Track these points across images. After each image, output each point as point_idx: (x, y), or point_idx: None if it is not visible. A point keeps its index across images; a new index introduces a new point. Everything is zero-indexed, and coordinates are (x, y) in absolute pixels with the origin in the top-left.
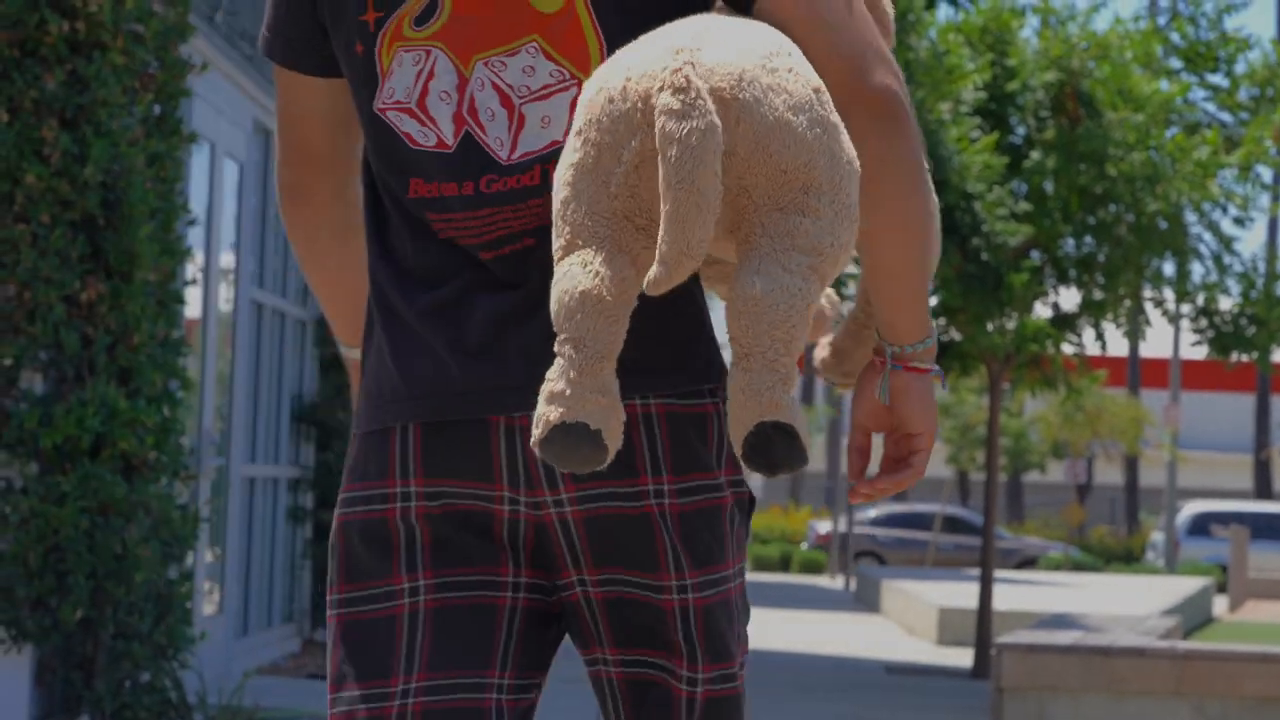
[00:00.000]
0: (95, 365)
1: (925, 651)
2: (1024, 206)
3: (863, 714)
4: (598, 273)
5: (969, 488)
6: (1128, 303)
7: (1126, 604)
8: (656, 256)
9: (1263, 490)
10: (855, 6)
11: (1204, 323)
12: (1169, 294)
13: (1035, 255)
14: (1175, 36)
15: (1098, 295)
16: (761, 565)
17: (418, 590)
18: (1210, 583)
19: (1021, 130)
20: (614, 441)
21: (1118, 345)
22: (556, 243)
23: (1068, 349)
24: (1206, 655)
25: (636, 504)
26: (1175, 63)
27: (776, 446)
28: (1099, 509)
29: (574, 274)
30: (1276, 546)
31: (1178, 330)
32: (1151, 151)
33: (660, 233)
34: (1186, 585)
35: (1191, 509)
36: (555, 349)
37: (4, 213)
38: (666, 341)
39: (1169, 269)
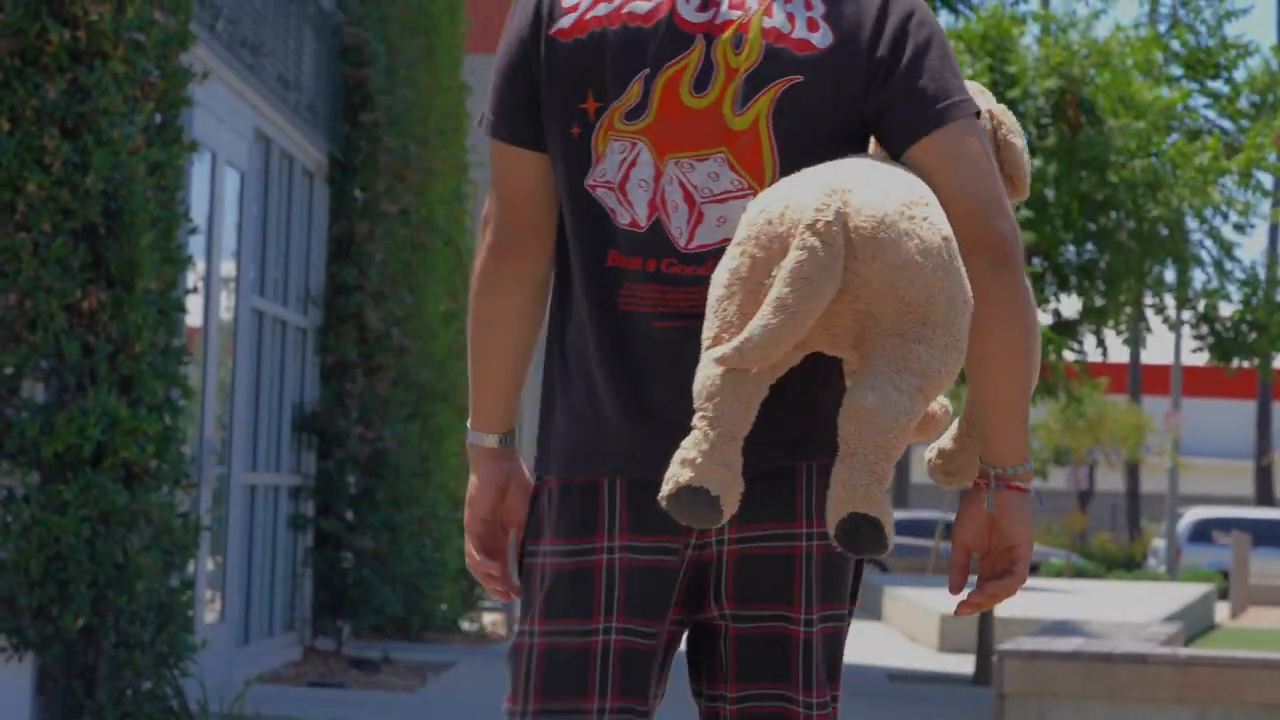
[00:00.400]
0: (96, 374)
1: (927, 658)
2: (1025, 213)
3: None
4: (723, 356)
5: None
6: (1129, 309)
7: (1128, 610)
8: (738, 340)
9: (1264, 496)
10: (986, 163)
11: (1205, 329)
12: (1170, 300)
13: (1036, 262)
14: (1175, 44)
15: (1099, 302)
16: None
17: (610, 630)
18: (1212, 589)
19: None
20: (730, 508)
21: (1119, 352)
22: (707, 332)
23: (1069, 356)
24: (1208, 662)
25: (789, 544)
26: (1176, 70)
27: (864, 534)
28: (1100, 515)
29: (717, 362)
30: (1278, 553)
31: (1179, 337)
32: (1152, 158)
33: (750, 326)
34: (1188, 592)
35: (1193, 515)
36: (694, 423)
37: (5, 221)
38: (824, 419)
39: (1170, 275)
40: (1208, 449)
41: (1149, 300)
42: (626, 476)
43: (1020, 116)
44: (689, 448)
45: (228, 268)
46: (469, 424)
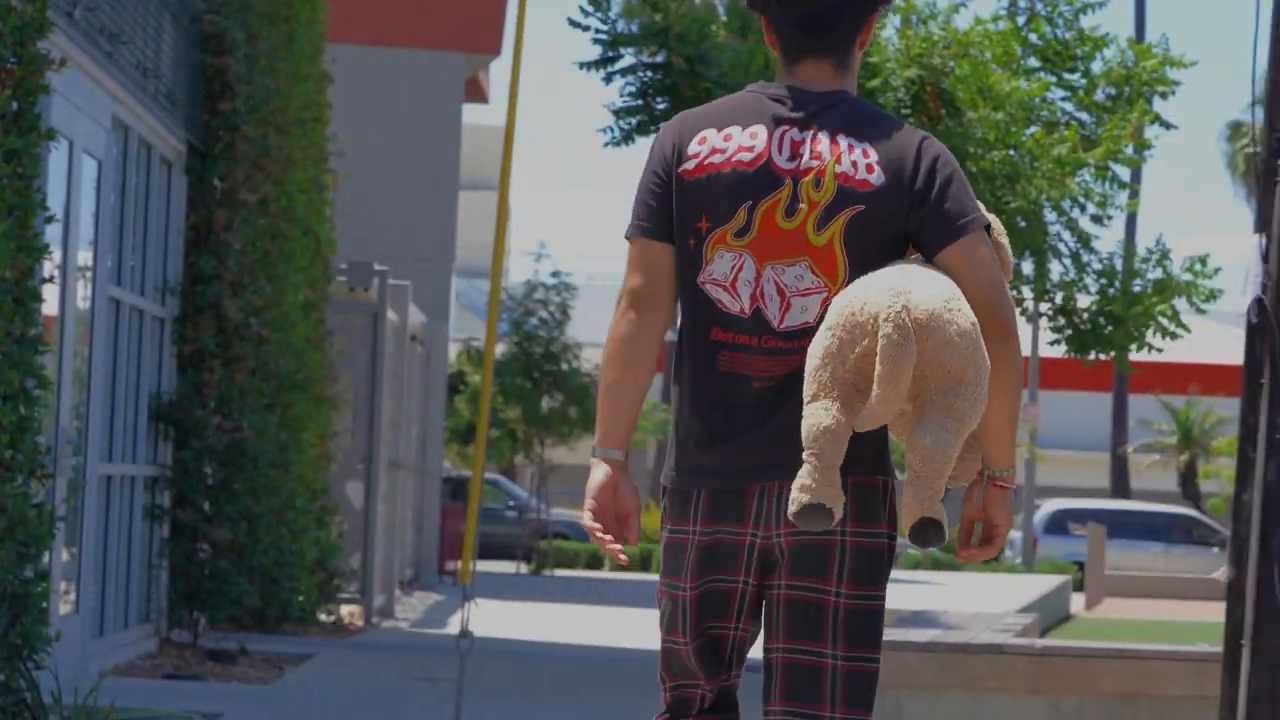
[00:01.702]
0: None
1: None
2: None
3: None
4: (835, 416)
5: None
6: None
7: (985, 602)
8: (867, 411)
9: (1120, 488)
10: (993, 264)
11: (1062, 321)
12: (1028, 292)
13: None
14: (1034, 36)
15: None
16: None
17: (697, 590)
18: (1067, 580)
19: None
20: (838, 514)
21: None
22: (807, 391)
23: None
24: (1063, 653)
25: (829, 535)
26: (1034, 62)
27: (930, 532)
28: (957, 506)
29: (819, 414)
30: (1133, 544)
31: (1036, 329)
32: (1011, 150)
33: (871, 399)
34: (1044, 583)
35: (1049, 507)
36: (804, 458)
37: None
38: (865, 450)
39: (1028, 267)
40: (1064, 441)
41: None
42: (709, 487)
43: (880, 107)
44: (805, 477)
45: (84, 257)
46: (596, 443)
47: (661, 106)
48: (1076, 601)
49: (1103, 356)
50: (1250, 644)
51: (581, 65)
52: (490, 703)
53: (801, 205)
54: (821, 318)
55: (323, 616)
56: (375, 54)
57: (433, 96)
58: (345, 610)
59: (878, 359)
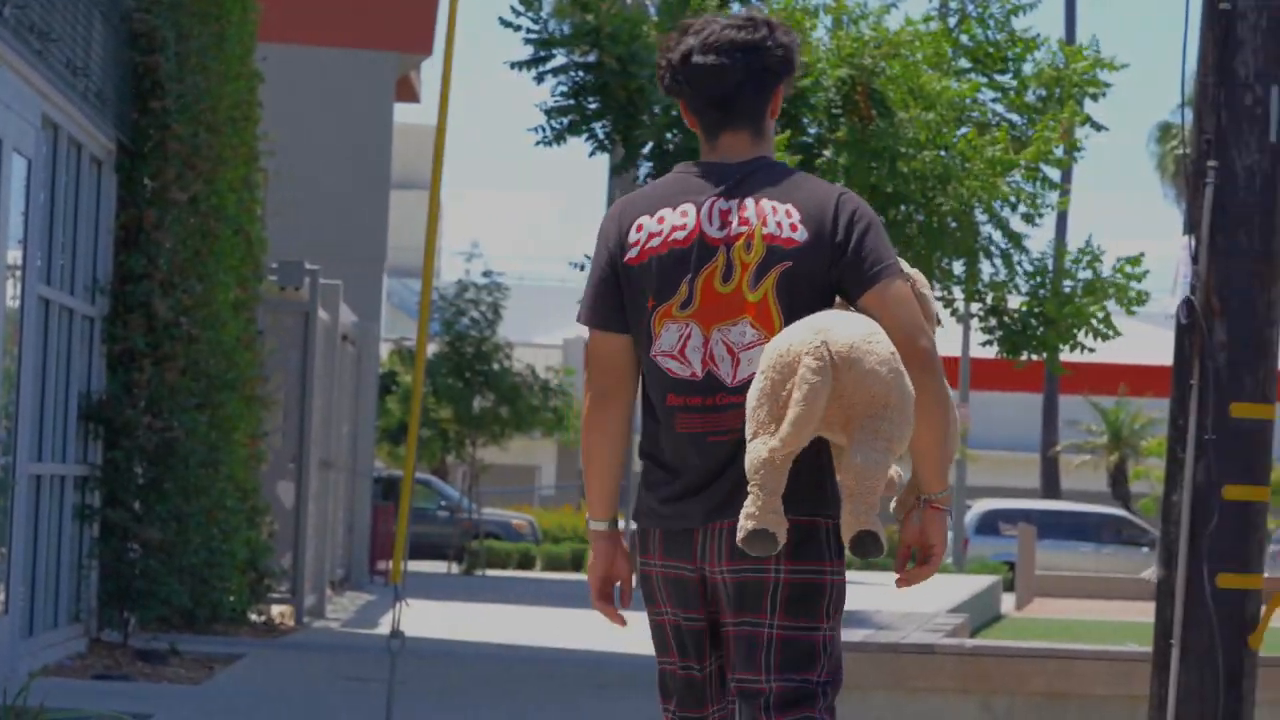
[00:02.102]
0: None
1: None
2: None
3: (654, 711)
4: (769, 449)
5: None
6: None
7: (915, 602)
8: (780, 431)
9: (1050, 489)
10: (909, 303)
11: (993, 322)
12: (959, 293)
13: None
14: (965, 37)
15: None
16: (554, 565)
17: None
18: (998, 580)
19: (814, 129)
20: (782, 539)
21: None
22: (749, 430)
23: None
24: (993, 652)
25: (763, 573)
26: (965, 63)
27: (868, 544)
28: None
29: (759, 448)
30: (1063, 544)
31: (967, 329)
32: (942, 151)
33: (784, 423)
34: (975, 583)
35: (980, 507)
36: (749, 489)
37: None
38: (808, 489)
39: (959, 268)
40: (995, 442)
41: (938, 292)
42: (663, 527)
43: (811, 108)
44: (749, 506)
45: (14, 255)
46: (589, 515)
47: (593, 106)
48: (1007, 601)
49: (1034, 357)
50: (1179, 643)
51: (513, 65)
52: (422, 703)
53: (735, 268)
54: None
55: (253, 616)
56: (306, 53)
57: (364, 96)
58: (276, 610)
59: (795, 386)
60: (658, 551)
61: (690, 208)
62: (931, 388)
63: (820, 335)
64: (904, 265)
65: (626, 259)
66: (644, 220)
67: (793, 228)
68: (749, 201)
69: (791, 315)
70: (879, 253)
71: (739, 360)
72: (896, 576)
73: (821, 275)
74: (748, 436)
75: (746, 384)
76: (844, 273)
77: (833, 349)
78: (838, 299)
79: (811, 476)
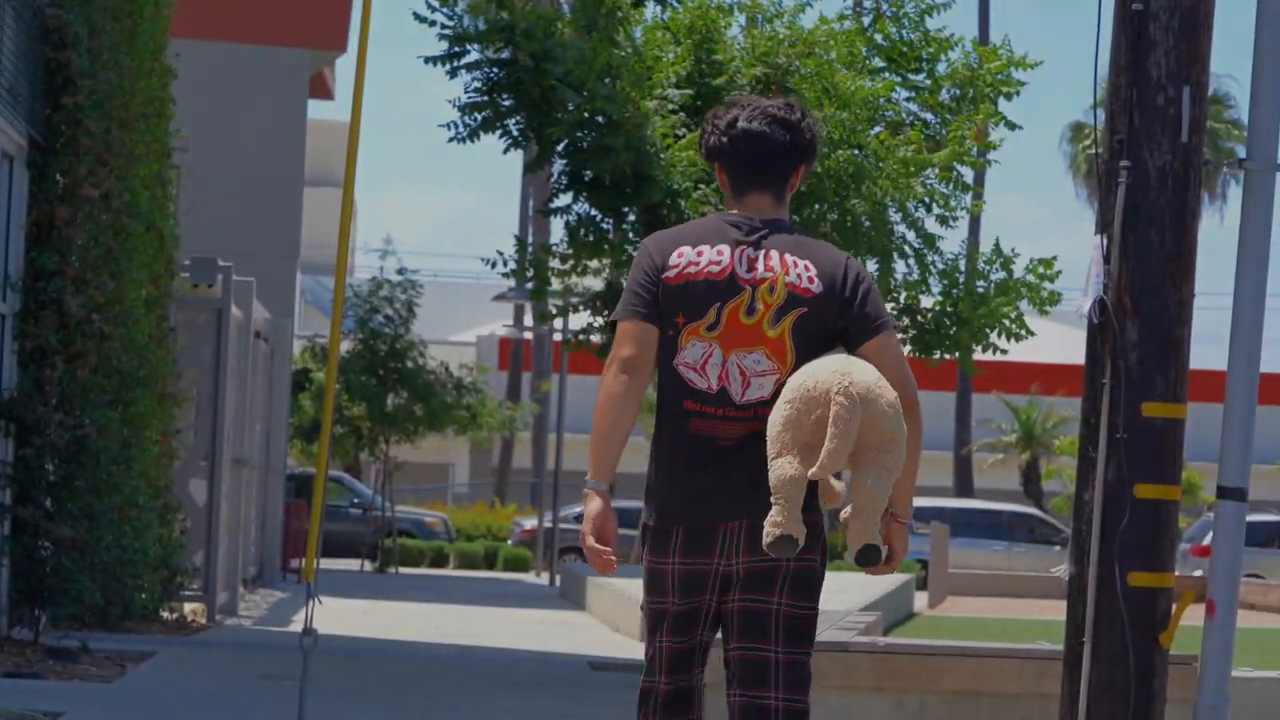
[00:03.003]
0: None
1: (630, 648)
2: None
3: (568, 710)
4: (797, 467)
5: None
6: None
7: (828, 600)
8: (823, 459)
9: (963, 487)
10: (900, 354)
11: (906, 321)
12: None
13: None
14: (879, 36)
15: None
16: (467, 562)
17: (677, 604)
18: (911, 578)
19: None
20: (802, 543)
21: None
22: (772, 450)
23: None
24: (906, 651)
25: (776, 561)
26: (879, 62)
27: (872, 554)
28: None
29: (784, 466)
30: (976, 543)
31: None
32: (856, 150)
33: (823, 453)
34: (888, 581)
35: None
36: (773, 500)
37: None
38: (810, 496)
39: (872, 267)
40: None
41: None
42: (685, 525)
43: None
44: (776, 515)
45: None
46: (590, 476)
47: (507, 103)
48: (920, 599)
49: (947, 356)
50: (1091, 642)
51: (427, 60)
52: (334, 701)
53: (759, 306)
54: (774, 394)
55: (166, 614)
56: (219, 49)
57: (277, 92)
58: (188, 608)
59: (830, 420)
60: (679, 550)
61: (726, 249)
62: (916, 429)
63: (845, 378)
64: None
65: (665, 276)
66: (685, 250)
67: (810, 280)
68: (774, 253)
69: (803, 353)
70: (879, 310)
71: (749, 383)
72: (871, 572)
73: (830, 323)
74: (770, 455)
75: (752, 404)
76: (850, 323)
77: (854, 389)
78: (839, 348)
79: (810, 487)
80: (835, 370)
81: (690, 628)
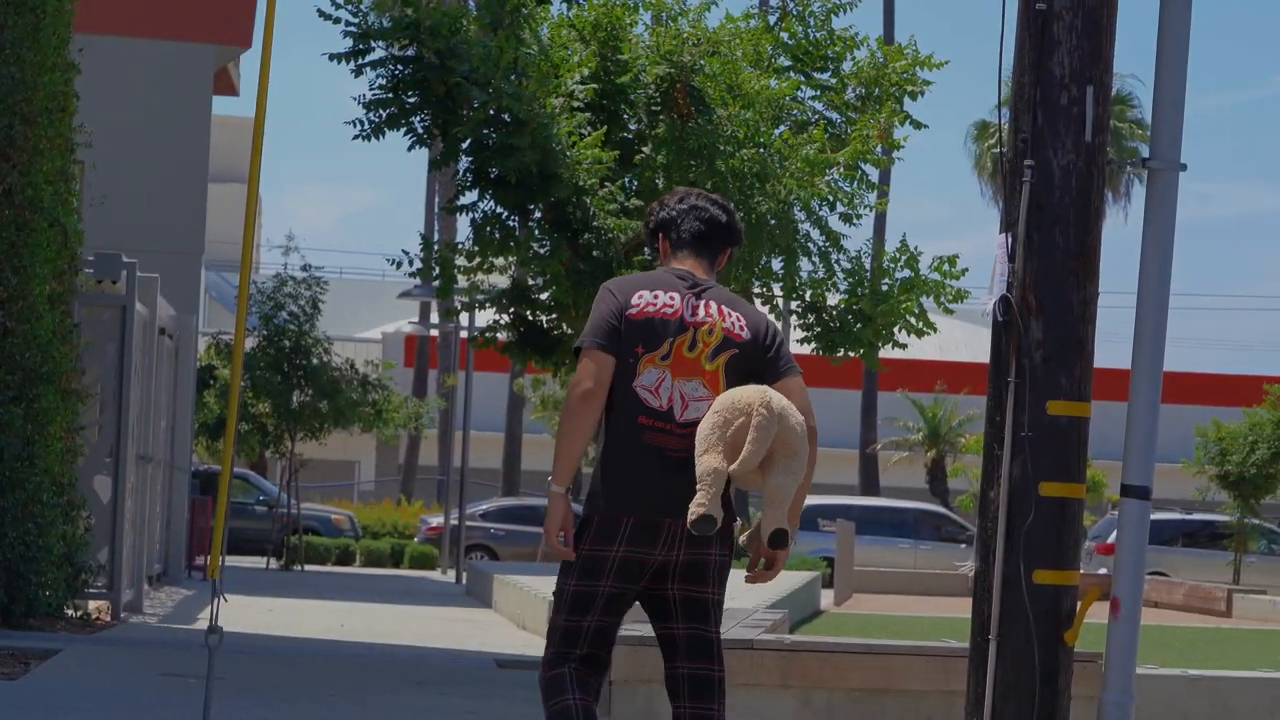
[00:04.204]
0: None
1: (537, 645)
2: (635, 202)
3: (474, 707)
4: (721, 461)
5: (581, 481)
6: None
7: (734, 597)
8: (740, 459)
9: (869, 485)
10: (806, 392)
11: (811, 319)
12: (778, 290)
13: (646, 251)
14: (785, 35)
15: None
16: (373, 560)
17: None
18: (817, 576)
19: (633, 125)
20: (719, 522)
21: None
22: (700, 449)
23: None
24: (812, 648)
25: (707, 555)
26: (785, 61)
27: (780, 536)
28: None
29: (710, 460)
30: (882, 540)
31: (786, 326)
32: (760, 149)
33: (744, 451)
34: (794, 579)
35: None
36: (698, 488)
37: None
38: (728, 502)
39: (777, 265)
40: None
41: (757, 289)
42: (635, 517)
43: (630, 104)
44: (700, 498)
45: None
46: (553, 480)
47: (411, 100)
48: (826, 597)
49: (851, 355)
50: (996, 639)
51: (331, 57)
52: (240, 699)
53: (699, 344)
54: None
55: (70, 611)
56: (123, 44)
57: (181, 88)
58: (93, 605)
59: (752, 426)
60: (625, 540)
61: (676, 295)
62: (813, 454)
63: (766, 395)
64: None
65: (628, 313)
66: (644, 293)
67: (741, 329)
68: (712, 304)
69: (732, 383)
70: (789, 358)
71: (688, 406)
72: (746, 575)
73: (753, 364)
74: (698, 453)
75: (690, 423)
76: (767, 366)
77: (774, 406)
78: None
79: (728, 496)
80: (758, 390)
81: (617, 609)
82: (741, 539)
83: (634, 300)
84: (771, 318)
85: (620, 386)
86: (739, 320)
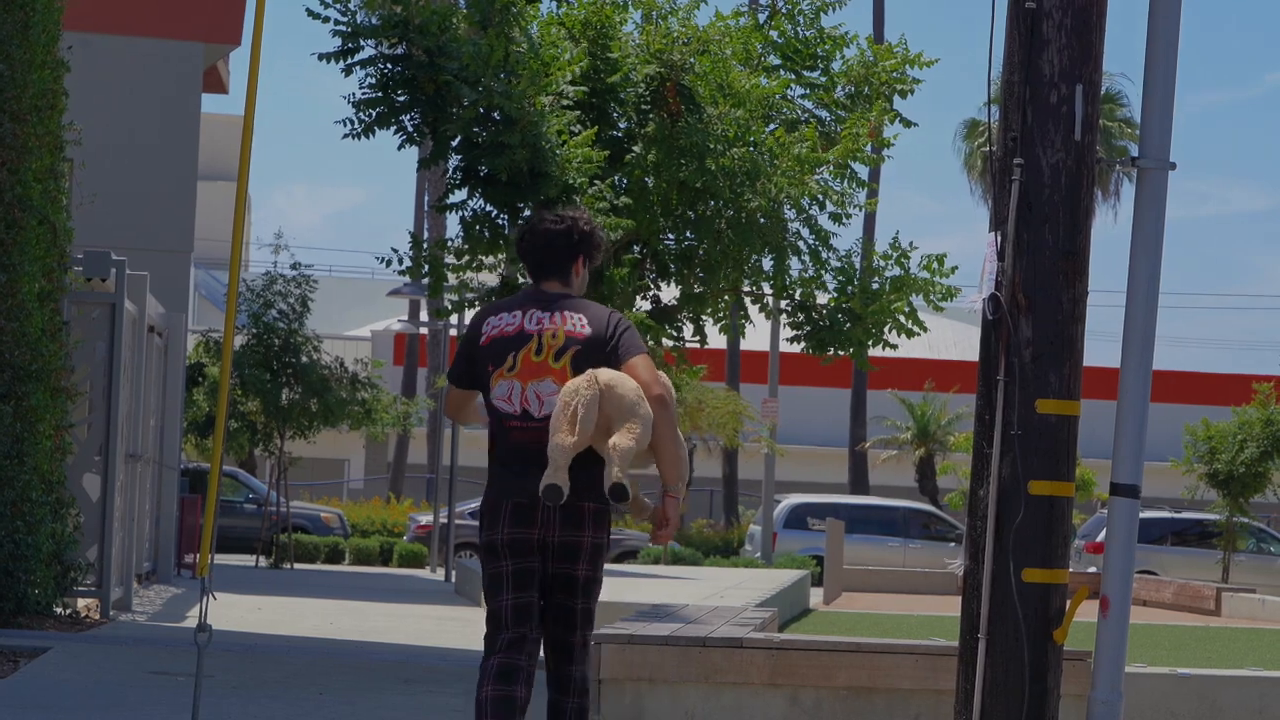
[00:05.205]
0: None
1: None
2: (625, 200)
3: (462, 705)
4: (565, 440)
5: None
6: (727, 297)
7: (725, 596)
8: (576, 432)
9: (858, 484)
10: (650, 366)
11: (801, 318)
12: (768, 289)
13: (636, 249)
14: (775, 34)
15: (697, 289)
16: (362, 558)
17: (510, 565)
18: (806, 575)
19: (623, 124)
20: (565, 492)
21: (718, 339)
22: (551, 433)
23: (667, 343)
24: (801, 646)
25: (581, 537)
26: (775, 59)
27: (618, 490)
28: (699, 502)
29: (559, 438)
30: (871, 539)
31: (776, 324)
32: (751, 147)
33: (578, 425)
34: (783, 577)
35: (789, 502)
36: (549, 462)
37: None
38: (597, 483)
39: (768, 264)
40: (803, 437)
41: (747, 288)
42: (511, 501)
43: (621, 104)
44: (549, 470)
45: None
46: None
47: (401, 99)
48: (815, 596)
49: (841, 353)
50: (985, 638)
51: (321, 56)
52: (228, 697)
53: (545, 348)
54: None
55: (59, 610)
56: (113, 42)
57: (171, 86)
58: (82, 603)
59: (580, 402)
60: (507, 522)
61: (518, 312)
62: (666, 415)
63: (592, 374)
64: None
65: (480, 343)
66: (492, 319)
67: (582, 327)
68: (558, 314)
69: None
70: (634, 343)
71: (544, 402)
72: (652, 535)
73: (598, 355)
74: (551, 433)
75: (548, 416)
76: (612, 353)
77: (600, 380)
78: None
79: (599, 483)
80: (587, 373)
81: (526, 585)
82: (630, 514)
83: (484, 329)
84: (619, 313)
85: (487, 401)
86: (580, 320)
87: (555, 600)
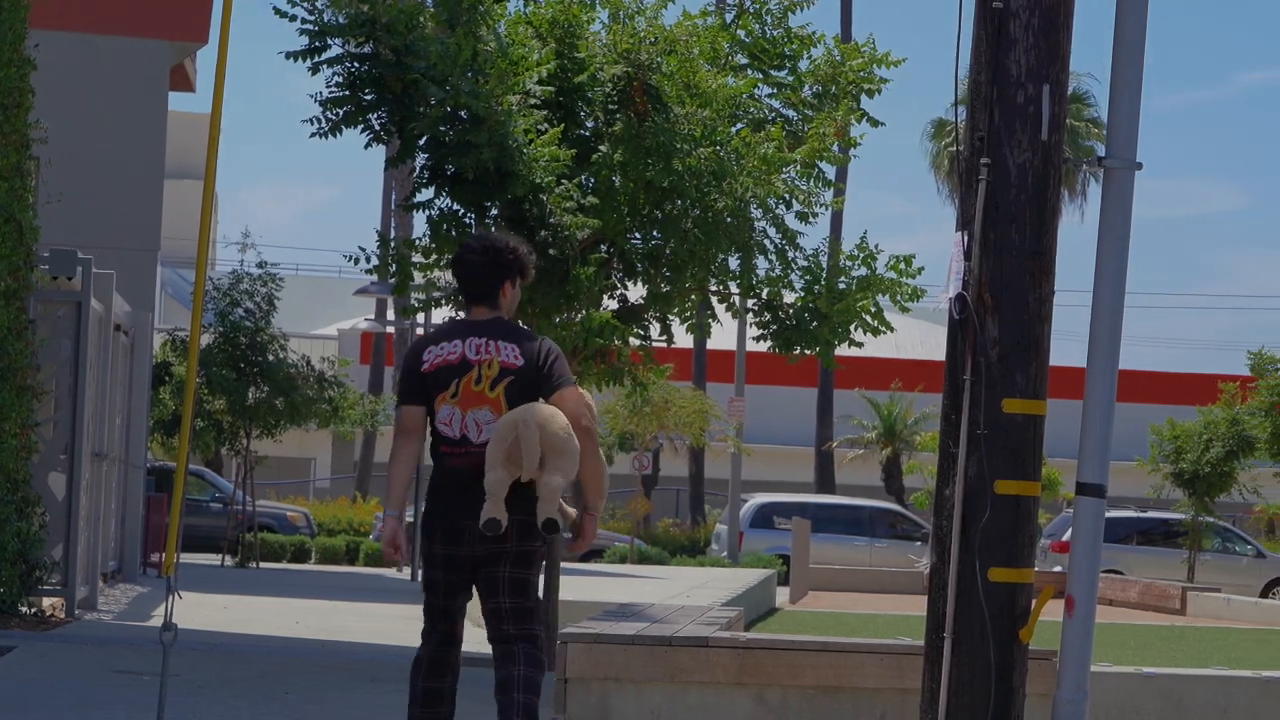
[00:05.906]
0: None
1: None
2: (591, 200)
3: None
4: (503, 474)
5: None
6: (694, 296)
7: (690, 595)
8: (524, 471)
9: (824, 483)
10: (579, 399)
11: (767, 317)
12: (734, 288)
13: (603, 248)
14: (742, 33)
15: (664, 289)
16: (329, 557)
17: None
18: (773, 574)
19: (590, 123)
20: (504, 524)
21: (685, 338)
22: (487, 468)
23: (634, 342)
24: (767, 645)
25: (504, 546)
26: (742, 59)
27: (550, 524)
28: (665, 501)
29: (495, 473)
30: (838, 538)
31: (743, 324)
32: (717, 147)
33: (524, 465)
34: (749, 576)
35: (755, 501)
36: (487, 497)
37: None
38: (527, 502)
39: (734, 263)
40: (769, 436)
41: (714, 287)
42: (444, 523)
43: (588, 103)
44: (489, 505)
45: None
46: (389, 506)
47: (369, 98)
48: (781, 595)
49: (807, 352)
50: (951, 637)
51: (288, 55)
52: (194, 696)
53: (483, 378)
54: None
55: (24, 608)
56: (79, 40)
57: (137, 84)
58: (47, 602)
59: (520, 440)
60: (440, 541)
61: (460, 342)
62: (590, 445)
63: (528, 413)
64: (579, 390)
65: (423, 369)
66: (433, 348)
67: (516, 358)
68: (492, 343)
69: (514, 404)
70: (564, 373)
71: (481, 430)
72: (568, 547)
73: (531, 385)
74: (487, 469)
75: (484, 443)
76: (543, 382)
77: (536, 419)
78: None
79: (530, 499)
80: (523, 409)
81: (451, 594)
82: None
83: (425, 358)
84: (551, 342)
85: (430, 425)
86: (514, 350)
87: (489, 604)
